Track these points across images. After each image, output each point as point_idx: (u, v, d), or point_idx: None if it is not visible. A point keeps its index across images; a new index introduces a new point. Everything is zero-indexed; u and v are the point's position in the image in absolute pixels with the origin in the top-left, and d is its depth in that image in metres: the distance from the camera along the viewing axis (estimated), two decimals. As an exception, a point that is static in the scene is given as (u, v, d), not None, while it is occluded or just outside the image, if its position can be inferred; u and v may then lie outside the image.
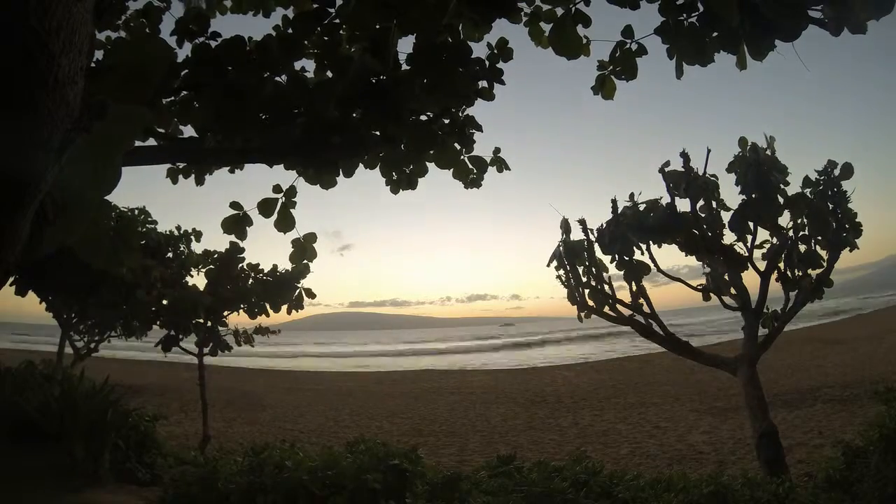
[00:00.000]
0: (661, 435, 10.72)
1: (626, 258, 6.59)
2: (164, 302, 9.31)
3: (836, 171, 6.31)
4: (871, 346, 19.99)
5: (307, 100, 3.12)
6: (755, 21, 2.34)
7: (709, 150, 6.54)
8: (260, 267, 9.21)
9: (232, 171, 4.03)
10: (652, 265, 6.58)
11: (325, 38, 3.08)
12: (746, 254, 6.32)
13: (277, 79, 3.15)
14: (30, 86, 0.70)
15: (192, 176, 3.99)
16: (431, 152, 3.61)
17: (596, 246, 6.83)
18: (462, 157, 3.68)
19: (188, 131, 3.49)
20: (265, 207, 3.58)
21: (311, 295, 8.22)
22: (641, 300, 6.65)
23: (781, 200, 6.28)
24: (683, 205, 6.39)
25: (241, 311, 9.19)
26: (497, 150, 3.90)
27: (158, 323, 9.57)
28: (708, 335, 37.64)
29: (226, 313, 9.33)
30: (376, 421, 13.78)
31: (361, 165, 3.68)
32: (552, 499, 4.66)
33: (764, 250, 6.38)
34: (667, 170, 6.42)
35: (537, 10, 3.13)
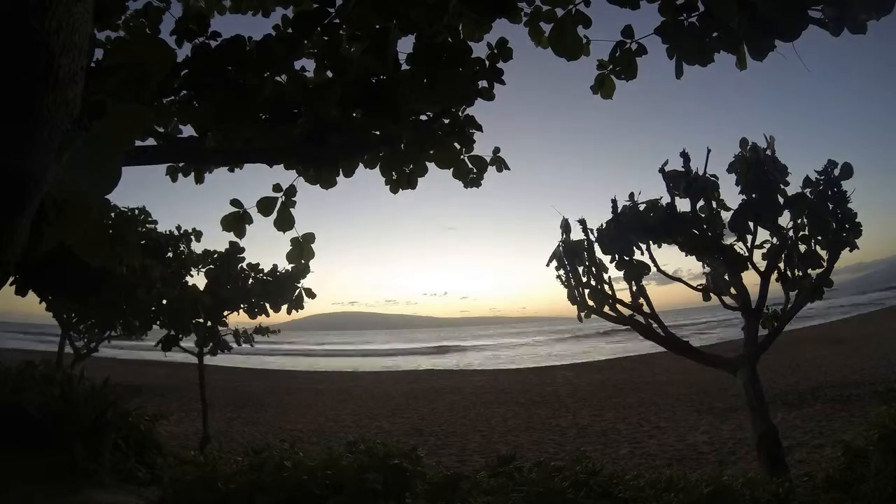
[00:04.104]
0: (661, 435, 10.72)
1: (626, 258, 6.60)
2: (164, 302, 9.31)
3: (836, 171, 6.32)
4: (871, 346, 19.99)
5: (307, 100, 3.12)
6: (755, 21, 2.34)
7: (709, 150, 6.55)
8: (260, 267, 9.21)
9: (231, 170, 4.03)
10: (652, 265, 6.58)
11: (325, 38, 3.07)
12: (746, 254, 6.32)
13: (277, 79, 3.15)
14: (30, 86, 0.70)
15: (192, 174, 3.99)
16: (431, 152, 3.61)
17: (596, 246, 6.84)
18: (462, 156, 3.69)
19: (188, 131, 3.49)
20: (265, 206, 3.58)
21: (311, 295, 8.21)
22: (641, 300, 6.65)
23: (781, 200, 6.28)
24: (683, 205, 6.40)
25: (241, 310, 9.19)
26: (497, 150, 3.90)
27: (158, 323, 9.57)
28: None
29: (226, 313, 9.33)
30: (376, 421, 13.78)
31: (361, 165, 3.68)
32: (552, 499, 4.66)
33: (764, 250, 6.39)
34: (667, 170, 6.42)
35: (537, 10, 3.13)
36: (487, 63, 3.25)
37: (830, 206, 6.25)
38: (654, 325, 6.66)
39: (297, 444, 6.90)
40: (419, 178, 3.80)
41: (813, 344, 22.28)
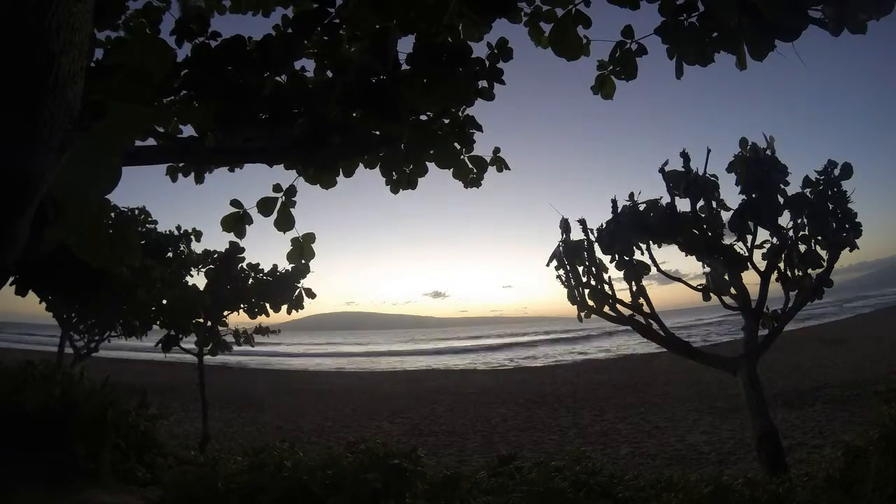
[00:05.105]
0: (660, 435, 10.72)
1: (626, 258, 6.60)
2: (164, 302, 9.32)
3: (836, 171, 6.32)
4: (871, 345, 19.99)
5: (307, 100, 3.12)
6: (755, 21, 2.34)
7: (709, 150, 6.55)
8: (260, 267, 9.22)
9: (231, 170, 4.03)
10: (652, 265, 6.58)
11: (325, 38, 3.07)
12: (746, 254, 6.32)
13: (277, 79, 3.15)
14: (30, 86, 0.70)
15: (192, 174, 3.99)
16: (431, 152, 3.61)
17: (596, 246, 6.84)
18: (462, 156, 3.68)
19: (188, 131, 3.49)
20: (265, 206, 3.58)
21: (311, 295, 8.21)
22: (641, 300, 6.65)
23: (781, 200, 6.28)
24: (683, 205, 6.40)
25: (241, 310, 9.20)
26: (497, 150, 3.90)
27: (158, 323, 9.57)
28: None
29: (226, 313, 9.34)
30: (376, 421, 13.78)
31: (361, 165, 3.68)
32: (552, 499, 4.66)
33: (764, 250, 6.39)
34: (667, 170, 6.42)
35: (537, 10, 3.13)
36: (487, 63, 3.25)
37: (830, 206, 6.25)
38: (654, 325, 6.67)
39: (297, 444, 6.90)
40: (419, 178, 3.80)
41: (813, 344, 22.28)
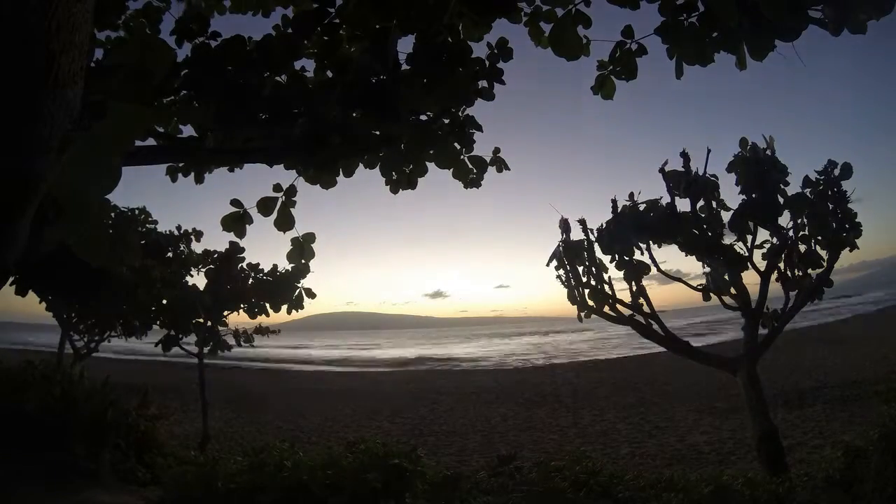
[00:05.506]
0: (661, 435, 10.72)
1: (626, 258, 6.60)
2: (164, 302, 9.32)
3: (836, 171, 6.32)
4: (871, 345, 19.98)
5: (307, 100, 3.12)
6: (755, 21, 2.34)
7: (709, 150, 6.55)
8: (260, 267, 9.22)
9: (231, 170, 4.03)
10: (652, 265, 6.59)
11: (325, 38, 3.07)
12: (746, 254, 6.32)
13: (277, 79, 3.15)
14: (30, 86, 0.70)
15: (192, 174, 3.99)
16: (431, 152, 3.61)
17: (596, 246, 6.84)
18: (462, 156, 3.68)
19: (188, 131, 3.49)
20: (265, 206, 3.57)
21: (311, 295, 8.21)
22: (641, 300, 6.65)
23: (781, 200, 6.29)
24: (683, 205, 6.41)
25: (241, 310, 9.20)
26: (497, 150, 3.90)
27: (158, 323, 9.57)
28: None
29: (226, 313, 9.34)
30: (376, 421, 13.78)
31: (361, 165, 3.68)
32: (552, 499, 4.66)
33: (764, 250, 6.39)
34: (667, 170, 6.42)
35: (537, 10, 3.13)
36: (487, 63, 3.25)
37: (830, 206, 6.26)
38: (654, 325, 6.67)
39: (297, 444, 6.90)
40: (419, 178, 3.80)
41: (813, 344, 22.26)
